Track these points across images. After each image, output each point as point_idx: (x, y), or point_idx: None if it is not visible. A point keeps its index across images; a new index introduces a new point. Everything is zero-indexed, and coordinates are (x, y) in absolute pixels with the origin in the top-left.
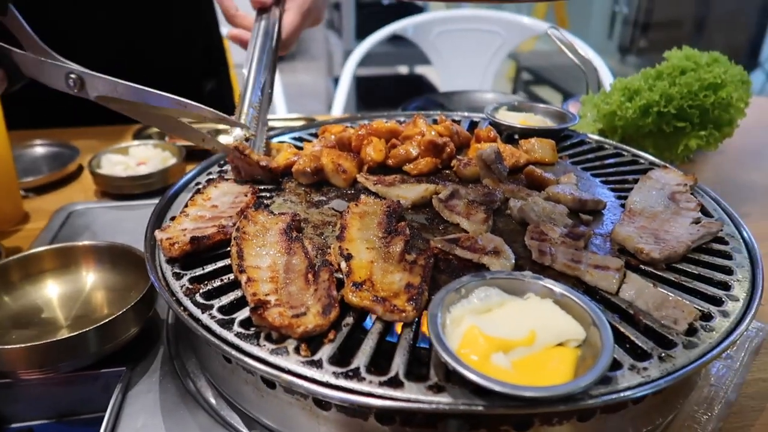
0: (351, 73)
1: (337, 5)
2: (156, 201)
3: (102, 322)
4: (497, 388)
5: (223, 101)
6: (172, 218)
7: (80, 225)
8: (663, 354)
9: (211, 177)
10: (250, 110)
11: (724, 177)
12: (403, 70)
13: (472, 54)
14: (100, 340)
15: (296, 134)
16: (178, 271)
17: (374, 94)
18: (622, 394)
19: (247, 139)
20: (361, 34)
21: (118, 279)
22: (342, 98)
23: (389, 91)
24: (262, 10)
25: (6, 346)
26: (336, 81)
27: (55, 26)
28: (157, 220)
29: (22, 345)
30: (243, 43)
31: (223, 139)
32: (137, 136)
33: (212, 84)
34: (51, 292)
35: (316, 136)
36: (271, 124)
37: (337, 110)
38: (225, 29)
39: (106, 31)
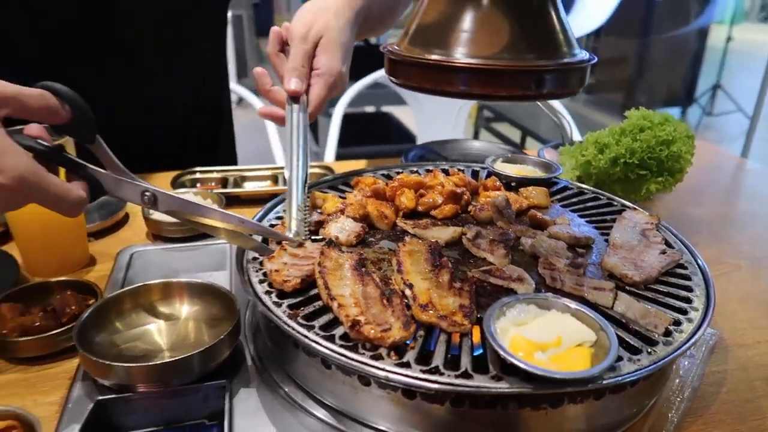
0: (341, 115)
1: None
2: (200, 244)
3: (205, 347)
4: (540, 372)
5: (227, 147)
6: (255, 259)
7: (143, 264)
8: (649, 350)
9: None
10: (299, 214)
11: (676, 213)
12: (369, 109)
13: (445, 98)
14: (203, 361)
15: (330, 184)
16: (276, 300)
17: (348, 132)
18: (625, 378)
19: (300, 245)
20: None
21: (205, 311)
22: (334, 138)
23: (360, 128)
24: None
25: (133, 365)
26: None
27: (74, 82)
28: (240, 259)
29: (147, 364)
30: (274, 119)
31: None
32: (174, 185)
33: (218, 132)
34: (154, 319)
35: (347, 185)
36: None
37: (331, 148)
38: (234, 84)
39: (118, 84)
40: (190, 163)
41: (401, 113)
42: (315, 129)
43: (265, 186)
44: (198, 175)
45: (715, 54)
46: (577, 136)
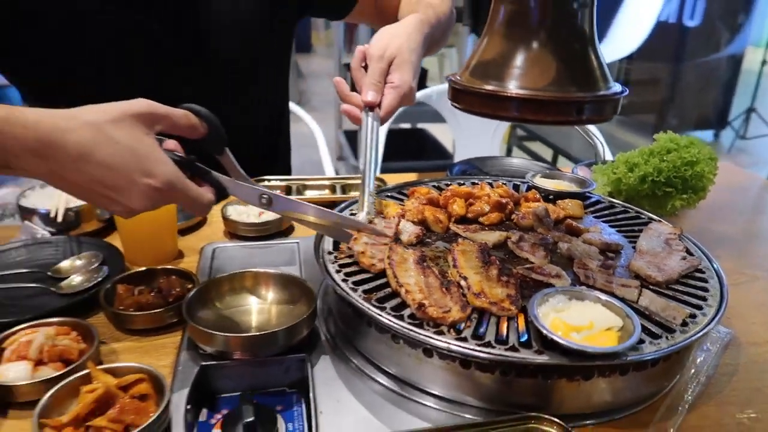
0: (386, 130)
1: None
2: (272, 242)
3: (289, 325)
4: (575, 347)
5: (284, 157)
6: (330, 252)
7: (225, 258)
8: (668, 336)
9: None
10: (370, 198)
11: (699, 228)
12: (404, 125)
13: (484, 119)
14: (287, 336)
15: (389, 193)
16: (352, 286)
17: (386, 146)
18: (646, 356)
19: (370, 221)
20: None
21: (286, 297)
22: (380, 153)
23: (398, 144)
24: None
25: (231, 335)
26: (345, 134)
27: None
28: (318, 251)
29: (242, 334)
30: (351, 118)
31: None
32: None
33: (278, 143)
34: (245, 302)
35: (403, 194)
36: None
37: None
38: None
39: (197, 97)
40: (252, 172)
41: (435, 130)
42: (355, 144)
43: (325, 194)
44: (265, 183)
45: (750, 77)
46: (608, 156)
